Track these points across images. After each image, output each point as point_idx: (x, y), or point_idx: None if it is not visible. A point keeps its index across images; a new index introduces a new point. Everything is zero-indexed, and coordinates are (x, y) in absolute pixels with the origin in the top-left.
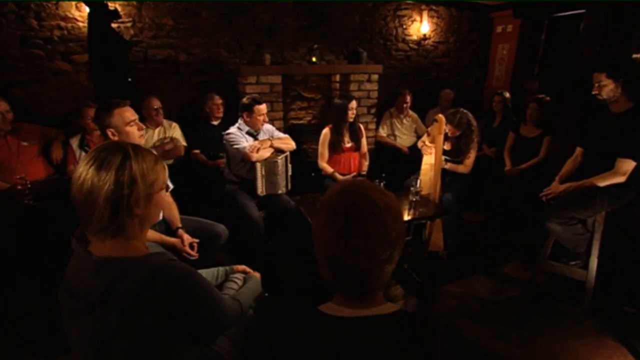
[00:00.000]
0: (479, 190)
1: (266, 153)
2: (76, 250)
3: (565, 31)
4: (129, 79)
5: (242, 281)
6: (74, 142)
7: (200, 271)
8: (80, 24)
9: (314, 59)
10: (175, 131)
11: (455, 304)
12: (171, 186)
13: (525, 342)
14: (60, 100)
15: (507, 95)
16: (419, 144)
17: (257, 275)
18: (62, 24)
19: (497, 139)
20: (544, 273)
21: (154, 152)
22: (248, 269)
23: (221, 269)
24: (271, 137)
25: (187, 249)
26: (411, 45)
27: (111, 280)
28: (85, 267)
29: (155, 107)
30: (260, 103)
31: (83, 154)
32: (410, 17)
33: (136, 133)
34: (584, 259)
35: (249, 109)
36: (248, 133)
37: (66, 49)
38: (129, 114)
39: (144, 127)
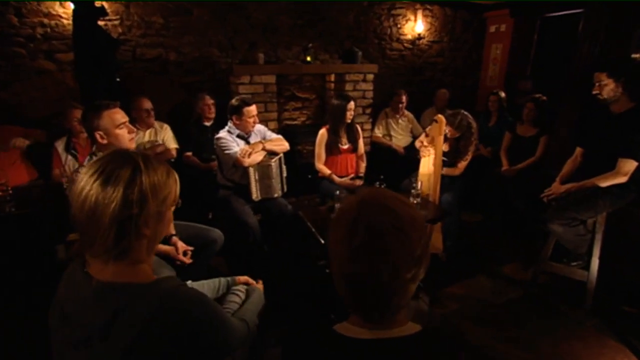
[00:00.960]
0: (475, 190)
1: (258, 157)
2: (71, 269)
3: (558, 31)
4: (117, 79)
5: (245, 294)
6: (59, 145)
7: (200, 282)
8: (65, 21)
9: (308, 59)
10: (167, 133)
11: (456, 307)
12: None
13: (528, 344)
14: (43, 100)
15: (503, 94)
16: (417, 144)
17: (260, 286)
18: (45, 21)
19: (493, 138)
20: (545, 274)
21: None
22: (250, 280)
23: (222, 280)
24: (263, 139)
25: (182, 257)
26: (405, 44)
27: (114, 310)
28: (83, 291)
29: (147, 108)
30: (249, 104)
31: (69, 157)
32: (405, 16)
33: (126, 136)
34: (585, 259)
35: (237, 111)
36: (239, 136)
37: (50, 47)
38: (119, 116)
39: (135, 130)
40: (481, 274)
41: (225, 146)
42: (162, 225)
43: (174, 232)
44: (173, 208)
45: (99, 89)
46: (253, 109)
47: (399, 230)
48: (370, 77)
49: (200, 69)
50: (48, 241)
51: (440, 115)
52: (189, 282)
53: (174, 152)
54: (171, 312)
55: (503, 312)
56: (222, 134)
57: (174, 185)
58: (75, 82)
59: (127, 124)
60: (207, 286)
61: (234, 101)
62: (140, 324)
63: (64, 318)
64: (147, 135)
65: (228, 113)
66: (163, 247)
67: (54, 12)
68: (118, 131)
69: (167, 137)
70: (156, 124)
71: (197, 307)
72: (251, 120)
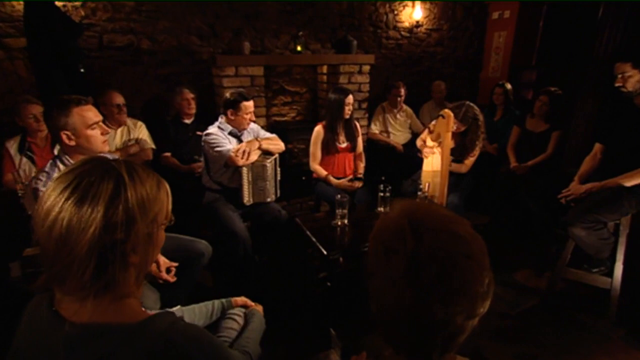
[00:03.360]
0: (481, 190)
1: (254, 156)
2: (34, 306)
3: (567, 17)
4: (82, 70)
5: (243, 318)
6: (12, 146)
7: (191, 307)
8: (14, 1)
9: (298, 48)
10: (142, 131)
11: None
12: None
13: None
14: None
15: (509, 86)
16: (418, 143)
17: (260, 308)
18: None
19: (499, 134)
20: (563, 281)
21: (118, 157)
22: (249, 302)
23: (217, 303)
24: (257, 138)
25: (164, 274)
26: (403, 32)
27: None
28: (52, 337)
29: (118, 103)
30: (248, 99)
31: (24, 160)
32: (402, 1)
33: (99, 138)
34: (607, 265)
35: (234, 105)
36: (231, 134)
37: None
38: (92, 114)
39: (109, 130)
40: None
41: (215, 143)
42: (153, 248)
43: None
44: (165, 226)
45: (59, 80)
46: (251, 104)
47: (470, 259)
48: (367, 68)
49: (177, 59)
50: None
51: (447, 110)
52: (178, 308)
53: (149, 153)
54: (166, 358)
55: (519, 325)
56: (213, 129)
57: (166, 199)
58: (29, 73)
59: (101, 123)
60: (199, 311)
61: (229, 95)
62: None
63: None
64: (118, 135)
65: (222, 107)
66: None
67: None
68: (90, 132)
69: (142, 136)
70: (129, 121)
71: (196, 349)
72: (248, 116)
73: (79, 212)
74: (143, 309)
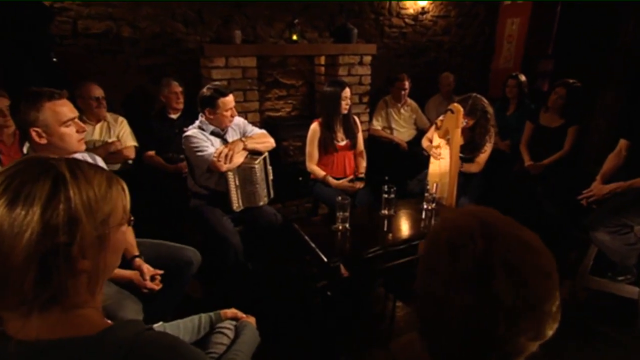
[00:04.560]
0: (492, 191)
1: (239, 158)
2: None
3: (586, 2)
4: (54, 59)
5: (234, 332)
6: None
7: (175, 323)
8: None
9: (294, 37)
10: (123, 127)
11: None
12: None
13: None
14: None
15: (523, 78)
16: (424, 143)
17: (252, 320)
18: None
19: (512, 130)
20: (584, 290)
21: (99, 160)
22: (240, 314)
23: (204, 316)
24: (243, 135)
25: (149, 283)
26: (407, 20)
27: None
28: None
29: (97, 96)
30: (225, 94)
31: None
32: None
33: (74, 136)
34: (634, 272)
35: (211, 103)
36: (213, 133)
37: None
38: (67, 109)
39: (85, 127)
40: None
41: (196, 147)
42: (109, 252)
43: (137, 252)
44: (125, 227)
45: (28, 70)
46: (230, 99)
47: (545, 273)
48: (368, 59)
49: (161, 49)
50: None
51: (456, 105)
52: (160, 324)
53: (132, 152)
54: None
55: None
56: (192, 131)
57: (120, 198)
58: None
59: (77, 120)
60: (183, 327)
61: (205, 91)
62: None
63: None
64: (97, 131)
65: (199, 106)
66: (124, 273)
67: None
68: (64, 129)
69: (124, 133)
70: (109, 116)
71: (169, 358)
72: (228, 113)
73: (10, 216)
74: (109, 321)
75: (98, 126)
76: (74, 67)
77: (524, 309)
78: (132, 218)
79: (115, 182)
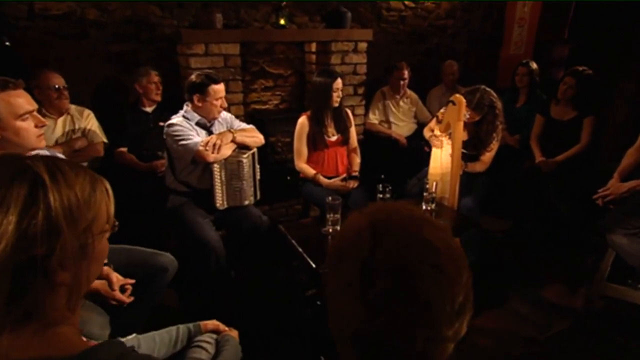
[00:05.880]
0: (500, 190)
1: (227, 151)
2: None
3: None
4: (7, 43)
5: (214, 347)
6: None
7: (150, 335)
8: None
9: (282, 22)
10: (90, 121)
11: (487, 344)
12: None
13: None
14: None
15: (535, 66)
16: (427, 134)
17: (235, 334)
18: None
19: (522, 123)
20: (602, 299)
21: (60, 153)
22: (221, 326)
23: (182, 328)
24: (231, 129)
25: (118, 294)
26: (407, 2)
27: None
28: None
29: (57, 85)
30: (217, 82)
31: None
32: None
33: (32, 131)
34: None
35: (201, 89)
36: (198, 124)
37: None
38: (23, 101)
39: (45, 122)
40: (515, 299)
41: (180, 135)
42: (92, 263)
43: (105, 259)
44: (108, 234)
45: None
46: (221, 88)
47: (437, 269)
48: (363, 46)
49: (133, 34)
50: None
51: (458, 95)
52: (133, 336)
53: (100, 148)
54: None
55: (549, 351)
56: (176, 119)
57: (104, 201)
58: None
59: (35, 113)
60: (159, 340)
61: (194, 77)
62: None
63: None
64: (60, 125)
65: (187, 92)
66: None
67: None
68: (20, 123)
69: (90, 127)
70: (73, 108)
71: None
72: (218, 103)
73: None
74: (84, 338)
75: (60, 120)
76: (30, 53)
77: (412, 309)
78: (116, 223)
79: (99, 184)
